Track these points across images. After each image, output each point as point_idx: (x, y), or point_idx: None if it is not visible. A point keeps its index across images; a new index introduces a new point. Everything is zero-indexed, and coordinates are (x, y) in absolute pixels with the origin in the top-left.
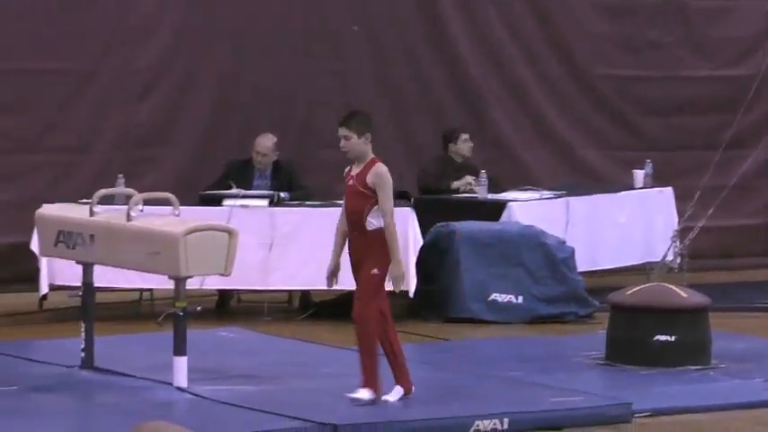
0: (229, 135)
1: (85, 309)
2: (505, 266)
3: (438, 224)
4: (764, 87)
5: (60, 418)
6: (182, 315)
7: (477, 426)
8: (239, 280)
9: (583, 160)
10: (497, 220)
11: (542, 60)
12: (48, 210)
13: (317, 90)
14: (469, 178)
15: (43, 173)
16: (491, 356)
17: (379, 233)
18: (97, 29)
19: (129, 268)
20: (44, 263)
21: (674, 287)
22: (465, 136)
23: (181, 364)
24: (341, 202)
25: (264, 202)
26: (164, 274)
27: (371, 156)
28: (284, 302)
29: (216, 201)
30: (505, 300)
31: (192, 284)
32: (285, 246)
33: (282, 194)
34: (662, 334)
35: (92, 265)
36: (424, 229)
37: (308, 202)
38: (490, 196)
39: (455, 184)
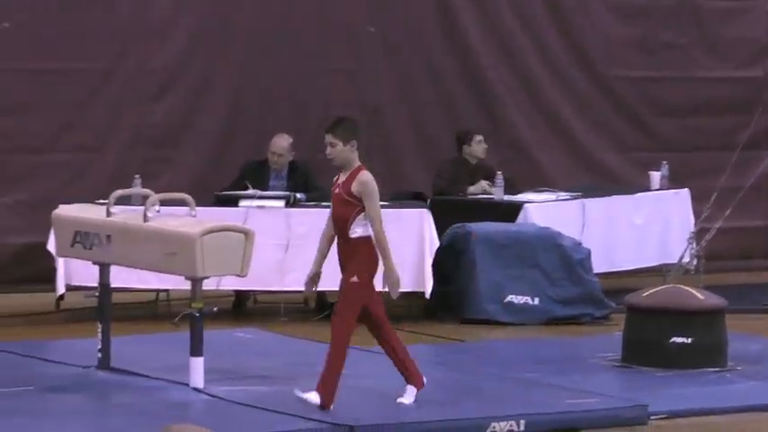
0: (245, 136)
1: (102, 309)
2: (521, 268)
3: (454, 225)
4: None
5: (76, 418)
6: (198, 316)
7: (494, 427)
8: (255, 281)
9: (599, 162)
10: (513, 221)
11: (558, 62)
12: (64, 210)
13: (332, 91)
14: (484, 184)
15: (60, 173)
16: (507, 358)
17: (363, 241)
18: (113, 30)
19: (145, 269)
20: (61, 263)
21: (690, 289)
22: (479, 137)
23: (197, 364)
24: None
25: (281, 203)
26: (180, 275)
27: (357, 163)
28: (300, 303)
29: (232, 201)
30: (521, 301)
31: (208, 285)
32: (301, 246)
33: (299, 195)
34: (678, 336)
35: (108, 265)
36: (441, 231)
37: (323, 203)
38: (506, 198)
39: (471, 190)
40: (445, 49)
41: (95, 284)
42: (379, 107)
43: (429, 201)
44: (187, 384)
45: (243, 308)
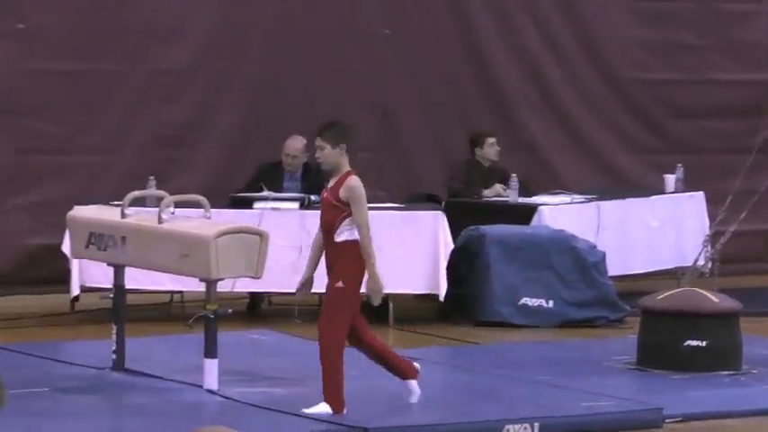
0: (260, 137)
1: (117, 310)
2: (536, 270)
3: (468, 228)
4: None
5: (91, 419)
6: (212, 317)
7: (508, 430)
8: (270, 282)
9: (613, 164)
10: (528, 223)
11: (574, 64)
12: (79, 211)
13: (347, 93)
14: (499, 187)
15: (75, 174)
16: (521, 360)
17: (349, 245)
18: (129, 31)
19: (160, 270)
20: (75, 264)
21: (705, 292)
22: (491, 140)
23: (211, 366)
24: (371, 205)
25: (295, 205)
26: (195, 277)
27: (347, 168)
28: (315, 305)
29: (247, 203)
30: (536, 304)
31: (222, 287)
32: None
33: (313, 197)
34: (693, 339)
35: (123, 267)
36: (455, 233)
37: None
38: (521, 200)
39: (485, 193)
40: (460, 52)
41: (110, 286)
42: (394, 109)
43: (443, 203)
44: (201, 386)
45: (257, 310)
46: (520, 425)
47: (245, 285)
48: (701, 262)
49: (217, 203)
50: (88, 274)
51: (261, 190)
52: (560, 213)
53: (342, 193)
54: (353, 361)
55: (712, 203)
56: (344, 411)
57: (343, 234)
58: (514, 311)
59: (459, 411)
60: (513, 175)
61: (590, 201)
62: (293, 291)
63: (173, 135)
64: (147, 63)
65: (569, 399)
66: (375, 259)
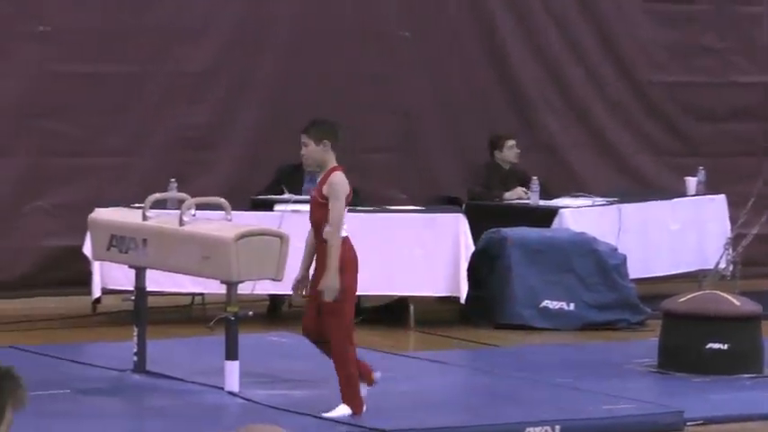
0: (281, 139)
1: (138, 313)
2: (557, 273)
3: (489, 230)
4: None
5: (112, 421)
6: (233, 320)
7: None
8: (290, 285)
9: (634, 167)
10: (549, 226)
11: (594, 66)
12: (100, 214)
13: (366, 95)
14: (520, 190)
15: (96, 176)
16: (542, 363)
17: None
18: (150, 32)
19: (180, 273)
20: (97, 267)
21: (726, 295)
22: (511, 143)
23: (232, 368)
24: (392, 207)
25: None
26: (215, 279)
27: (332, 165)
28: None
29: (268, 205)
30: (557, 306)
31: (243, 289)
32: None
33: None
34: (714, 342)
35: (144, 269)
36: (476, 236)
37: (358, 208)
38: (542, 203)
39: (506, 196)
40: (480, 53)
41: (131, 288)
42: (414, 111)
43: (464, 205)
44: (222, 388)
45: (278, 312)
46: (541, 427)
47: (265, 288)
48: (722, 265)
49: (237, 205)
50: (109, 276)
51: (281, 192)
52: (581, 216)
53: (325, 189)
54: (374, 364)
55: (734, 206)
56: (364, 410)
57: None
58: (535, 314)
59: (480, 414)
60: (534, 177)
61: (611, 203)
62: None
63: (194, 137)
64: (167, 65)
65: (590, 401)
66: (337, 257)
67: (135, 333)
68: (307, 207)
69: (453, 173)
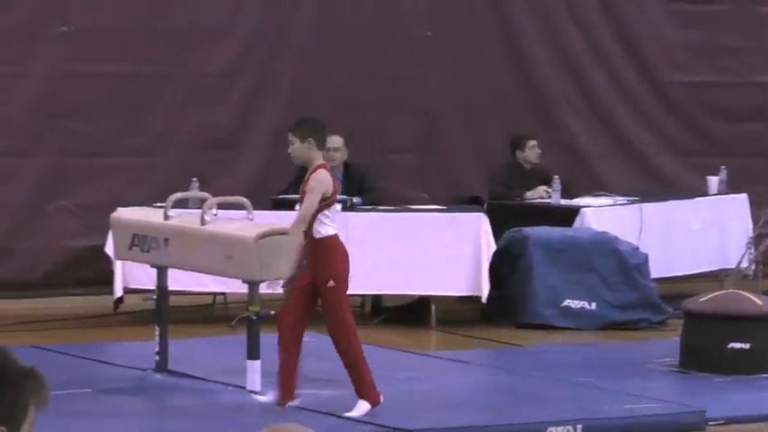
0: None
1: (159, 312)
2: (578, 272)
3: (511, 229)
4: None
5: (134, 420)
6: (255, 319)
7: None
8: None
9: (656, 166)
10: (570, 225)
11: (616, 66)
12: (122, 213)
13: (388, 94)
14: (542, 190)
15: (118, 176)
16: (564, 362)
17: (328, 241)
18: (172, 33)
19: (202, 272)
20: (119, 266)
21: (748, 294)
22: (532, 143)
23: (254, 367)
24: (414, 207)
25: (338, 207)
26: (237, 278)
27: (318, 162)
28: (357, 307)
29: (289, 205)
30: (578, 306)
31: (265, 288)
32: (357, 250)
33: (355, 200)
34: (736, 341)
35: (166, 268)
36: (497, 235)
37: (380, 207)
38: (563, 202)
39: (528, 195)
40: (501, 53)
41: (153, 287)
42: (435, 111)
43: (485, 205)
44: (244, 387)
45: None
46: (562, 427)
47: None
48: (744, 264)
49: (259, 205)
50: (131, 275)
51: None
52: (603, 215)
53: (308, 185)
54: (396, 364)
55: (755, 206)
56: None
57: (321, 230)
58: (557, 313)
59: (502, 413)
60: (556, 177)
61: (632, 203)
62: None
63: (215, 137)
64: (189, 66)
65: (612, 401)
66: (295, 246)
67: (157, 332)
68: None
69: (475, 172)
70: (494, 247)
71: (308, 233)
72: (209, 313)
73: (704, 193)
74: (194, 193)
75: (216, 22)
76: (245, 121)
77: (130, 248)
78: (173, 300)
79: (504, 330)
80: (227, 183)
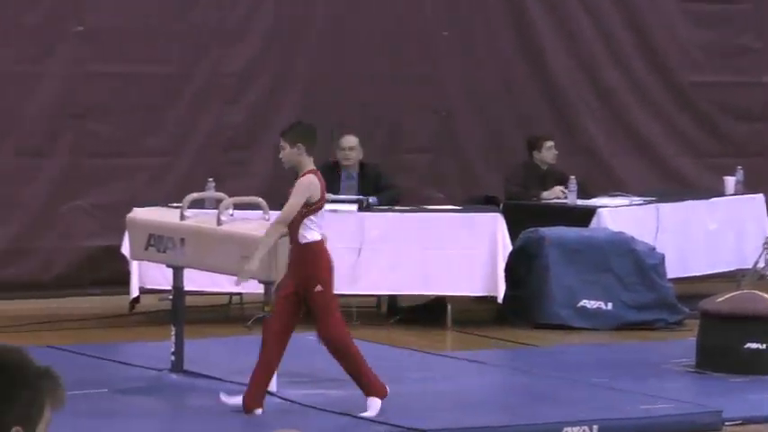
0: (318, 138)
1: (175, 312)
2: (595, 273)
3: (527, 230)
4: None
5: (149, 420)
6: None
7: None
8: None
9: (673, 166)
10: (587, 226)
11: (632, 66)
12: (138, 213)
13: (404, 94)
14: (558, 190)
15: (134, 176)
16: (580, 363)
17: (313, 246)
18: (188, 33)
19: (218, 272)
20: (135, 266)
21: (765, 294)
22: (549, 144)
23: None
24: (430, 207)
25: (353, 207)
26: (253, 279)
27: (308, 167)
28: (373, 307)
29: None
30: (595, 306)
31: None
32: (374, 251)
33: (371, 200)
34: (753, 341)
35: (182, 268)
36: (513, 235)
37: (396, 208)
38: (579, 202)
39: (544, 195)
40: (518, 54)
41: (169, 287)
42: (452, 111)
43: (502, 205)
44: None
45: None
46: (578, 427)
47: None
48: (761, 264)
49: (275, 205)
50: (147, 275)
51: None
52: (619, 215)
53: (293, 189)
54: (412, 364)
55: None
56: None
57: (307, 234)
58: (573, 314)
59: (518, 414)
60: (572, 177)
61: (649, 203)
62: (351, 293)
63: (231, 137)
64: (205, 66)
65: (628, 401)
66: (267, 247)
67: (172, 332)
68: (345, 207)
69: (490, 172)
70: (510, 248)
71: (294, 238)
72: (225, 313)
73: (721, 194)
74: (210, 193)
75: (232, 22)
76: (262, 122)
77: (146, 248)
78: (188, 300)
79: (521, 330)
80: (244, 183)
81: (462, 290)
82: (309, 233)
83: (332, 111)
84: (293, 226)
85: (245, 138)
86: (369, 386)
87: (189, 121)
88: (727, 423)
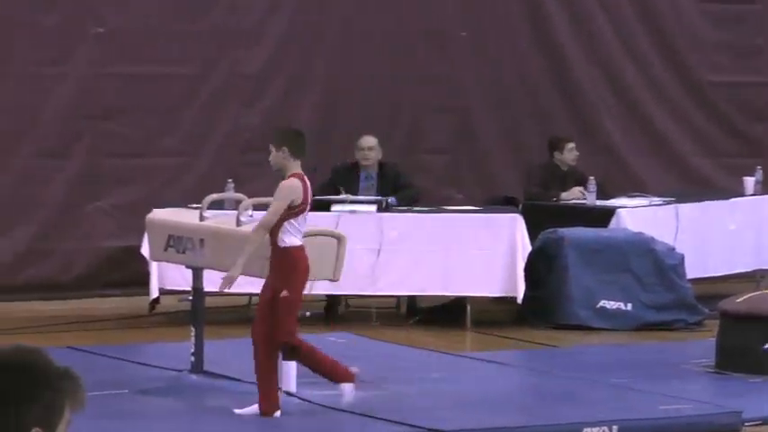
0: (336, 140)
1: (195, 313)
2: (614, 273)
3: (546, 230)
4: None
5: (169, 421)
6: None
7: None
8: (347, 285)
9: (692, 167)
10: (606, 226)
11: (651, 67)
12: (158, 214)
13: (423, 95)
14: (577, 191)
15: (153, 177)
16: (599, 363)
17: (292, 251)
18: (206, 35)
19: None
20: (154, 267)
21: None
22: (571, 145)
23: (289, 368)
24: (449, 207)
25: (373, 208)
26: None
27: (293, 171)
28: (392, 308)
29: (324, 206)
30: (614, 307)
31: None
32: (393, 251)
33: (390, 200)
34: None
35: (201, 269)
36: (532, 236)
37: (415, 208)
38: (599, 203)
39: (564, 196)
40: (537, 54)
41: (189, 288)
42: (471, 111)
43: (521, 205)
44: (279, 388)
45: (335, 312)
46: (598, 427)
47: (322, 288)
48: None
49: None
50: (167, 276)
51: (337, 192)
52: (638, 216)
53: (275, 192)
54: (431, 365)
55: None
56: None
57: (286, 239)
58: (592, 314)
59: (537, 414)
60: (591, 177)
61: (668, 203)
62: (371, 294)
63: (250, 138)
64: (223, 67)
65: (647, 402)
66: (250, 252)
67: (192, 333)
68: (364, 207)
69: (510, 173)
70: (529, 248)
71: (273, 240)
72: (245, 314)
73: (740, 194)
74: (229, 194)
75: (249, 23)
76: (280, 122)
77: (166, 249)
78: (208, 301)
79: (540, 331)
80: (262, 184)
81: (481, 290)
82: (289, 237)
83: (349, 112)
84: (273, 229)
85: (264, 139)
86: (340, 376)
87: (207, 123)
88: (746, 424)
